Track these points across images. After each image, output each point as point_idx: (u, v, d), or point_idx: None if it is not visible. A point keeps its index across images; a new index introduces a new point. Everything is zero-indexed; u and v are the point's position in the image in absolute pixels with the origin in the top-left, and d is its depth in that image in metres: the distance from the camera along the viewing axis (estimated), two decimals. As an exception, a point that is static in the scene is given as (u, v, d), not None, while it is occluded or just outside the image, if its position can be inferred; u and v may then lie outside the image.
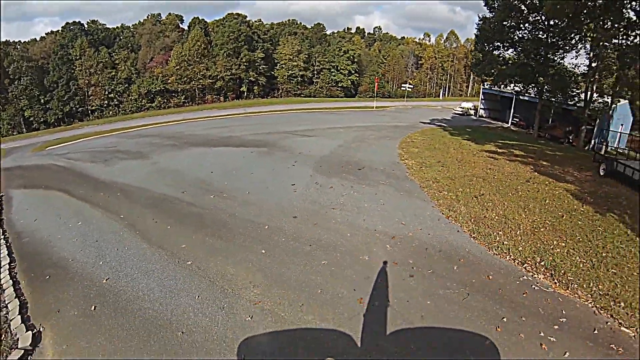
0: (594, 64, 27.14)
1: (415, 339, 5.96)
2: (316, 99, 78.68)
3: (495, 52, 32.54)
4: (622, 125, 35.73)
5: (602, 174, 17.63)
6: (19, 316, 7.44)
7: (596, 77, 27.36)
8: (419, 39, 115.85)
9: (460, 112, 54.37)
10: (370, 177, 15.52)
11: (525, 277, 8.32)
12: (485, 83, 46.81)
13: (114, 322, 6.69)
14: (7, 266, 9.74)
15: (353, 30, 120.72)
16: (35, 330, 6.90)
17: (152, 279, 7.95)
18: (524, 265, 8.79)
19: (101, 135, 43.03)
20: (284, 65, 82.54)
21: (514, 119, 42.92)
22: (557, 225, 10.97)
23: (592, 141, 31.63)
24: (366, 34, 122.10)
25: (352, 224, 10.70)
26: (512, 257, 9.18)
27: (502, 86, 38.08)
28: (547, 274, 8.51)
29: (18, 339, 6.76)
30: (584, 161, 20.59)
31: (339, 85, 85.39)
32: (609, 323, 6.98)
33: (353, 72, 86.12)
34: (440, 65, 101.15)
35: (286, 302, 7.12)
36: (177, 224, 10.82)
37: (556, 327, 6.75)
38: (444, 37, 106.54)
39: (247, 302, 7.11)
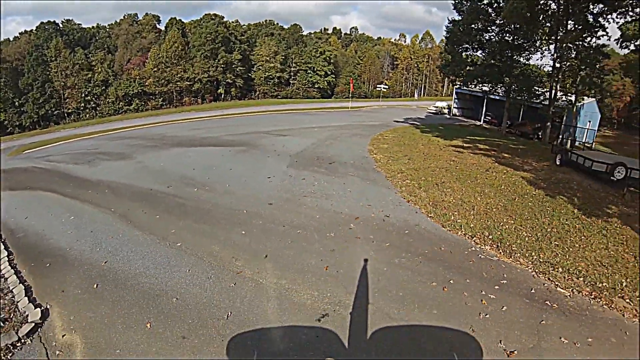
0: (557, 65, 28.95)
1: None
2: (293, 100, 79.43)
3: (465, 54, 34.24)
4: (589, 122, 38.41)
5: (558, 163, 19.38)
6: (26, 298, 8.03)
7: (559, 77, 29.10)
8: (395, 40, 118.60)
9: (435, 112, 56.05)
10: (340, 170, 16.84)
11: (473, 249, 9.68)
12: (457, 83, 48.83)
13: (115, 295, 7.65)
14: (6, 257, 10.10)
15: (330, 31, 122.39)
16: (43, 307, 7.59)
17: (146, 259, 8.96)
18: (473, 239, 10.16)
19: (80, 138, 42.53)
20: (260, 67, 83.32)
21: (486, 117, 44.99)
22: (509, 207, 12.43)
23: (560, 137, 33.62)
24: (343, 35, 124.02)
25: (321, 208, 12.01)
26: (463, 232, 10.55)
27: (473, 86, 39.95)
28: (494, 245, 9.88)
29: (28, 315, 7.41)
30: (545, 153, 22.29)
31: (316, 86, 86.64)
32: (546, 284, 8.33)
33: (329, 73, 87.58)
34: (415, 65, 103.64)
35: (264, 271, 8.34)
36: (165, 214, 11.80)
37: (497, 287, 8.07)
38: (420, 38, 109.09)
39: (230, 272, 8.27)
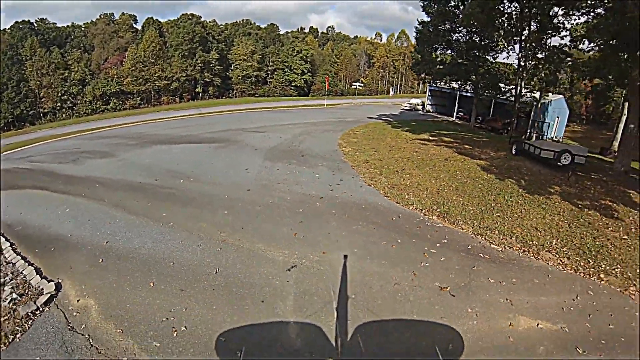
0: (522, 63, 30.59)
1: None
2: (270, 99, 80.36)
3: (434, 54, 36.11)
4: (558, 117, 40.38)
5: (513, 152, 21.42)
6: (37, 276, 8.98)
7: (524, 74, 30.91)
8: (371, 38, 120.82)
9: (409, 108, 57.47)
10: (310, 162, 18.60)
11: (421, 219, 11.55)
12: (427, 80, 50.80)
13: (119, 266, 9.04)
14: (9, 246, 10.76)
15: (307, 30, 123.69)
16: (55, 281, 8.68)
17: (144, 237, 10.40)
18: (423, 212, 12.04)
19: (59, 139, 42.37)
20: (238, 66, 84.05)
21: (459, 112, 46.83)
22: (460, 188, 14.35)
23: (528, 131, 35.70)
24: (319, 34, 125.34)
25: (292, 192, 13.81)
26: (415, 207, 12.42)
27: (443, 83, 41.97)
28: (441, 216, 11.78)
29: (42, 289, 8.45)
30: (505, 145, 24.26)
31: (293, 84, 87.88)
32: (482, 243, 10.25)
33: (306, 71, 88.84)
34: (391, 63, 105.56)
35: (244, 239, 10.05)
36: (156, 201, 13.21)
37: (438, 245, 9.95)
38: (396, 37, 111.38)
39: (217, 241, 9.92)
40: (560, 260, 9.70)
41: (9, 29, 77.32)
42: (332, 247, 9.70)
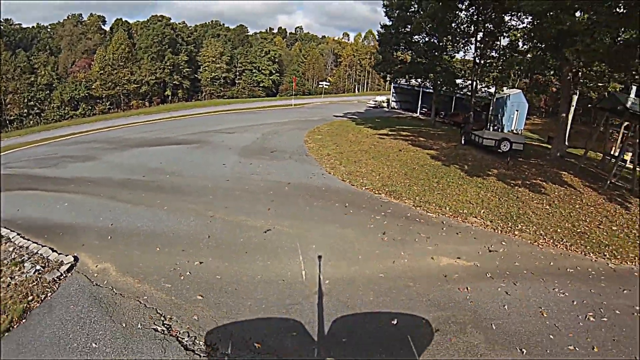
0: (477, 61, 32.89)
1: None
2: (239, 100, 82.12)
3: (395, 54, 38.90)
4: (517, 110, 43.42)
5: (463, 143, 24.47)
6: (55, 253, 10.71)
7: (479, 71, 33.21)
8: (339, 38, 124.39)
9: (374, 105, 59.94)
10: (279, 156, 21.29)
11: (371, 196, 14.42)
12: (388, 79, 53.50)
13: (126, 240, 11.19)
14: (17, 235, 11.91)
15: (275, 31, 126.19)
16: (72, 255, 10.59)
17: (143, 218, 12.63)
18: (374, 191, 14.90)
19: (31, 145, 41.65)
20: (207, 68, 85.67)
21: (422, 108, 49.35)
22: (409, 173, 17.24)
23: (487, 125, 38.79)
24: (288, 34, 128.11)
25: (264, 180, 16.57)
26: (367, 188, 15.25)
27: (404, 81, 44.85)
28: (388, 194, 14.63)
29: (62, 261, 10.32)
30: (458, 137, 26.91)
31: (261, 85, 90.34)
32: (420, 212, 13.13)
33: (274, 72, 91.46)
34: (358, 62, 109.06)
35: (229, 215, 12.65)
36: (148, 193, 15.40)
37: (383, 213, 12.75)
38: (363, 36, 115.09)
39: (206, 217, 12.44)
40: (484, 223, 12.67)
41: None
42: (298, 218, 12.39)
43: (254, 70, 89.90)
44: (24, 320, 7.75)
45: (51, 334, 7.31)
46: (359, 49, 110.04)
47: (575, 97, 34.27)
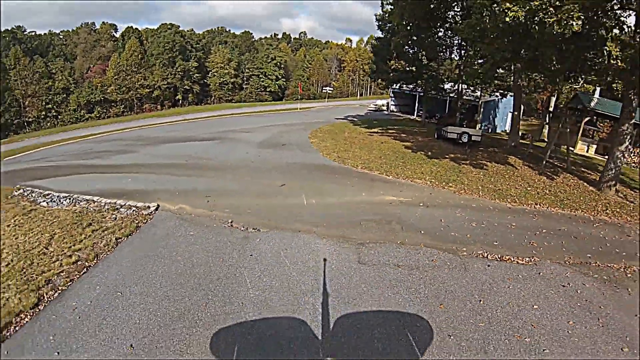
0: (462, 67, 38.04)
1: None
2: (247, 104, 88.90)
3: (388, 63, 45.49)
4: (510, 112, 45.36)
5: (436, 137, 31.32)
6: (140, 203, 16.79)
7: (463, 77, 37.74)
8: (342, 44, 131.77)
9: (374, 109, 65.71)
10: (289, 147, 28.24)
11: (351, 170, 21.35)
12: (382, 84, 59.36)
13: (190, 194, 17.74)
14: (100, 198, 19.05)
15: (280, 36, 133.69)
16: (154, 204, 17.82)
17: (197, 183, 19.38)
18: (354, 167, 21.83)
19: (61, 144, 47.16)
20: (215, 73, 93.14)
21: (419, 111, 53.65)
22: (383, 157, 24.06)
23: (478, 126, 44.22)
24: (292, 40, 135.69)
25: (278, 162, 23.47)
26: (350, 165, 22.17)
27: (397, 87, 51.54)
28: (364, 168, 21.53)
29: (148, 206, 16.66)
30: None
31: (268, 89, 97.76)
32: (383, 177, 19.95)
33: (280, 77, 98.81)
34: (361, 67, 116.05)
35: (257, 179, 19.55)
36: (193, 170, 22.21)
37: (356, 178, 19.72)
38: (365, 41, 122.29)
39: (241, 180, 19.39)
40: (425, 183, 19.42)
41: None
42: (302, 179, 19.35)
43: (261, 76, 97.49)
44: (137, 232, 13.92)
45: (161, 232, 13.73)
46: (361, 54, 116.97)
47: (553, 99, 40.90)
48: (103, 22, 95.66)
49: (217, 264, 10.94)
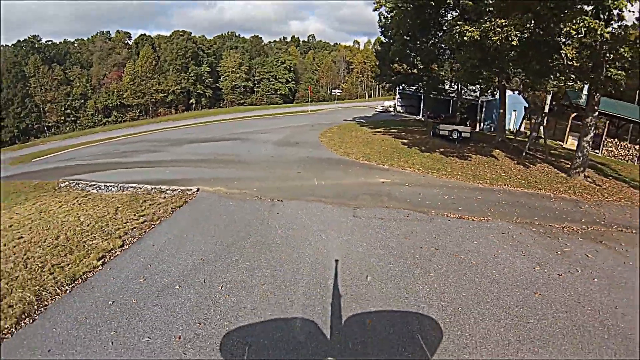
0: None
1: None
2: (258, 107, 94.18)
3: (392, 66, 49.89)
4: (514, 111, 49.52)
5: (431, 134, 35.83)
6: (181, 187, 22.48)
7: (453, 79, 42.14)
8: (350, 45, 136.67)
9: (381, 110, 69.99)
10: (301, 145, 33.11)
11: (354, 161, 26.10)
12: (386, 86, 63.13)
13: (225, 180, 22.35)
14: (144, 185, 24.92)
15: (289, 39, 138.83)
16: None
17: (229, 172, 24.26)
18: (356, 159, 26.58)
19: (85, 146, 52.12)
20: (227, 77, 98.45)
21: (425, 111, 57.04)
22: (381, 151, 28.71)
23: (481, 124, 49.04)
24: (301, 43, 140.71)
25: (293, 156, 28.42)
26: (352, 158, 26.97)
27: (401, 88, 55.87)
28: (364, 160, 26.34)
29: (190, 188, 21.44)
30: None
31: (278, 92, 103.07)
32: (378, 166, 24.67)
33: (290, 80, 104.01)
34: (369, 68, 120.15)
35: (276, 168, 24.51)
36: (224, 164, 27.08)
37: (357, 167, 24.45)
38: (372, 43, 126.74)
39: (264, 170, 24.35)
40: (414, 170, 24.02)
41: (11, 46, 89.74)
42: (313, 169, 24.07)
43: (271, 79, 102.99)
44: (185, 205, 18.90)
45: (206, 204, 18.50)
46: (369, 56, 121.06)
47: (549, 97, 45.02)
48: (117, 31, 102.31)
49: (252, 218, 15.68)
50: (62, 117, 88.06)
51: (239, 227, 14.69)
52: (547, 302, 9.88)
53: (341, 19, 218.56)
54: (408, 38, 36.76)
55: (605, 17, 18.78)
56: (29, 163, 44.32)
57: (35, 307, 9.46)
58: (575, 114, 37.64)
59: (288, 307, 9.49)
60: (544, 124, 29.68)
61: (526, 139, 31.76)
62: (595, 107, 23.20)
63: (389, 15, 37.39)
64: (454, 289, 10.42)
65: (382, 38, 49.21)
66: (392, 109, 69.16)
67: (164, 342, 8.28)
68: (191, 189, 20.37)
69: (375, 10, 32.34)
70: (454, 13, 34.60)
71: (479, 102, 48.85)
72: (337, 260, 11.87)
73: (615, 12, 18.54)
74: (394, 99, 70.41)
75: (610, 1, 16.80)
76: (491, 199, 19.07)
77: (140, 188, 21.20)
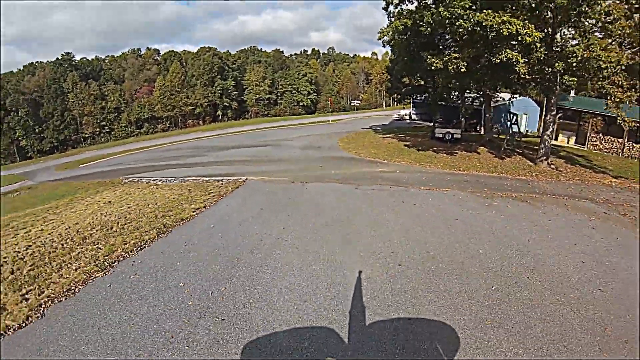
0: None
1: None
2: (282, 118, 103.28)
3: (402, 79, 58.51)
4: (525, 114, 54.27)
5: (430, 137, 44.65)
6: (232, 177, 32.05)
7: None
8: (368, 57, 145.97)
9: (397, 119, 77.25)
10: (323, 149, 42.98)
11: (363, 159, 35.51)
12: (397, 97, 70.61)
13: (268, 173, 31.94)
14: (197, 177, 34.36)
15: (309, 52, 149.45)
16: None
17: (269, 167, 33.98)
18: (365, 157, 35.99)
19: (127, 154, 60.87)
20: (251, 90, 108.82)
21: (438, 119, 64.60)
22: (386, 151, 38.15)
23: (488, 127, 55.49)
24: (321, 55, 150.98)
25: (316, 156, 38.32)
26: (363, 156, 36.51)
27: (414, 97, 64.08)
28: (370, 157, 35.80)
29: (240, 178, 31.28)
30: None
31: (300, 104, 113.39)
32: (381, 161, 33.97)
33: (312, 92, 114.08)
34: (386, 79, 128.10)
35: (303, 164, 34.27)
36: (262, 162, 36.92)
37: (366, 162, 33.66)
38: (389, 54, 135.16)
39: (294, 165, 33.97)
40: (407, 163, 33.11)
41: (51, 63, 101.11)
42: (332, 165, 33.34)
43: (294, 91, 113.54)
44: (240, 187, 28.20)
45: (254, 186, 27.85)
46: (387, 66, 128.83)
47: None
48: (147, 48, 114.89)
49: (288, 193, 24.88)
50: (98, 129, 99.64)
51: (280, 197, 23.86)
52: (460, 222, 18.57)
53: (360, 29, 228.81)
54: (406, 59, 45.46)
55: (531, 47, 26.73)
56: (76, 169, 52.28)
57: (163, 232, 18.31)
58: (561, 114, 44.87)
59: (316, 228, 18.61)
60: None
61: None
62: (552, 108, 30.88)
63: (389, 45, 46.08)
64: (406, 218, 19.42)
65: (392, 54, 57.63)
66: (407, 117, 75.78)
67: (251, 240, 17.54)
68: (241, 178, 29.52)
69: (379, 39, 41.04)
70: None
71: (482, 107, 55.88)
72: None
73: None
74: (412, 107, 76.97)
75: (526, 37, 24.89)
76: (458, 179, 27.57)
77: (199, 180, 30.07)
